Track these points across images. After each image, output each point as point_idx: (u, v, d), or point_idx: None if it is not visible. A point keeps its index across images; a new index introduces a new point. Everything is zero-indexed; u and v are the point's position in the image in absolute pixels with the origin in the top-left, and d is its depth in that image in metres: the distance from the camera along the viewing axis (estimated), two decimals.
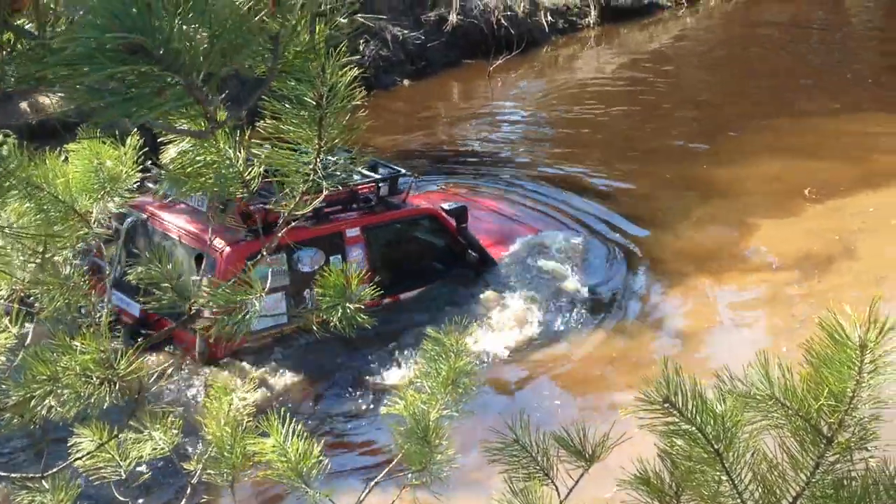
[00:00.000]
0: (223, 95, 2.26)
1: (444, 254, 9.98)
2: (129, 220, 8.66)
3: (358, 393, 8.65)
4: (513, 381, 8.94)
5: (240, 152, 2.54)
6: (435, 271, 9.95)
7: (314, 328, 2.63)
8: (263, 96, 2.30)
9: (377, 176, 9.51)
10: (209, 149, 2.44)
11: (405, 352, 8.93)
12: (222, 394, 2.99)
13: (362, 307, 2.52)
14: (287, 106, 2.32)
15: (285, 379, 8.73)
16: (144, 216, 8.85)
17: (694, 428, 2.32)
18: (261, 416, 2.96)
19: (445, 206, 10.01)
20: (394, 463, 3.03)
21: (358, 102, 2.38)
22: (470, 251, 9.92)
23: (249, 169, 2.54)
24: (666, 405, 2.34)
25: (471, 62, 17.29)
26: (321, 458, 2.87)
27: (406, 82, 16.31)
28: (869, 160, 12.75)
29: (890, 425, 2.26)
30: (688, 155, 13.33)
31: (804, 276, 9.86)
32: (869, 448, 2.22)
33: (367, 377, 8.87)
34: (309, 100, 2.32)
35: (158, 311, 2.84)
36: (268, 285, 2.58)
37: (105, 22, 1.49)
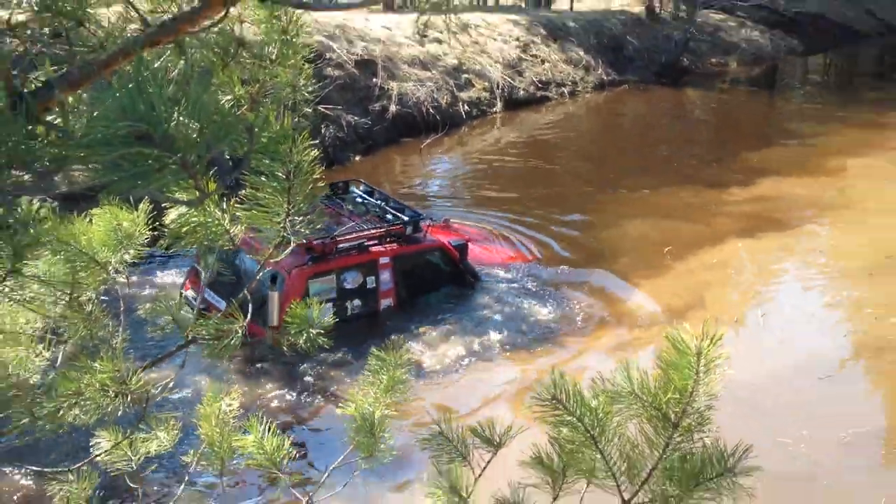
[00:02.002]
0: (213, 171, 2.26)
1: (448, 277, 10.26)
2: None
3: (321, 397, 8.56)
4: (447, 382, 8.91)
5: (226, 214, 2.54)
6: (440, 287, 10.22)
7: (284, 349, 2.60)
8: (244, 171, 2.31)
9: (405, 218, 9.84)
10: (201, 212, 2.43)
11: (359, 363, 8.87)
12: (213, 400, 2.95)
13: (322, 332, 2.51)
14: (263, 179, 2.33)
15: (265, 386, 8.64)
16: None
17: (575, 419, 2.35)
18: (244, 418, 2.93)
19: (453, 241, 10.38)
20: (348, 452, 3.01)
21: (317, 176, 2.40)
22: (467, 274, 10.30)
23: (234, 226, 2.53)
24: (553, 402, 2.38)
25: (408, 140, 17.36)
26: (291, 449, 2.85)
27: (358, 158, 16.30)
28: (710, 223, 12.98)
29: (719, 412, 2.30)
30: (572, 222, 13.38)
31: (668, 325, 9.85)
32: (705, 430, 2.27)
33: (329, 383, 8.79)
34: (279, 174, 2.32)
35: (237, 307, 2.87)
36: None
37: (117, 115, 1.50)
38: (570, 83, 21.79)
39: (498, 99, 19.79)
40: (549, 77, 21.51)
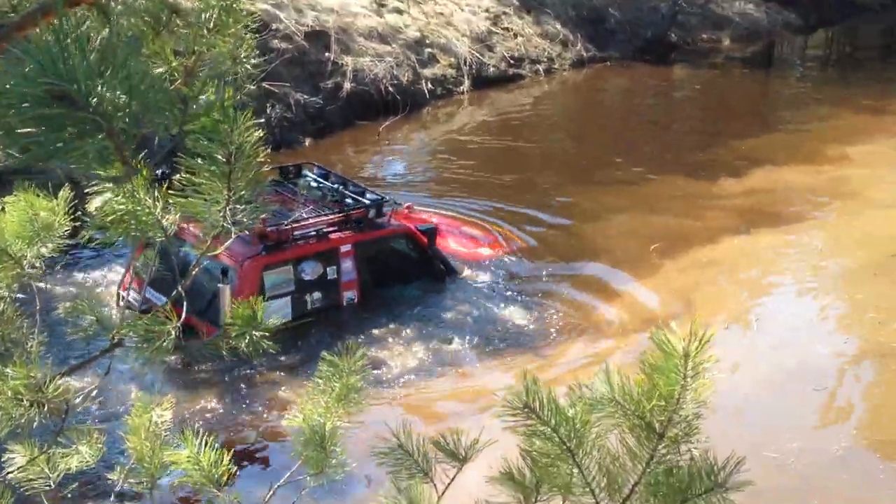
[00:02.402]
0: (143, 153, 2.24)
1: (416, 264, 10.41)
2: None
3: (266, 406, 8.54)
4: (409, 390, 8.93)
5: (157, 202, 2.51)
6: (408, 277, 10.37)
7: (223, 353, 2.60)
8: (180, 153, 2.29)
9: (366, 202, 9.98)
10: (129, 199, 2.41)
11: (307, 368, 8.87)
12: (143, 411, 2.93)
13: (267, 335, 2.51)
14: (200, 162, 2.30)
15: (204, 394, 8.60)
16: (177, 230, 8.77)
17: (549, 429, 2.35)
18: (178, 430, 2.91)
19: (420, 226, 10.51)
20: (295, 468, 3.01)
21: (262, 159, 2.38)
22: (438, 263, 10.50)
23: (167, 216, 2.51)
24: (526, 410, 2.38)
25: (364, 123, 17.30)
26: (231, 465, 2.84)
27: (308, 141, 16.23)
28: (700, 216, 13.09)
29: (708, 421, 2.32)
30: (552, 205, 13.46)
31: (645, 337, 9.98)
32: (692, 441, 2.28)
33: (276, 391, 8.78)
34: (218, 157, 2.30)
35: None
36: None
37: (35, 72, 1.47)
38: (545, 60, 21.87)
39: (465, 77, 19.81)
40: (522, 53, 21.58)
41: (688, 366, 2.27)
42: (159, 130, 1.83)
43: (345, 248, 9.70)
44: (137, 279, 9.66)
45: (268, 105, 15.60)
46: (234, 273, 8.93)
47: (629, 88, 21.30)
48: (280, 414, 8.30)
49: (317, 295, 9.58)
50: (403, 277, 10.45)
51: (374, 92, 17.79)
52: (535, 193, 13.83)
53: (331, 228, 9.68)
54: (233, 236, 2.50)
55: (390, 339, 9.65)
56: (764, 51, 25.55)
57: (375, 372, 8.93)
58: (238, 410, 8.53)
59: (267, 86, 15.46)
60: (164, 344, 2.42)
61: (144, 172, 2.44)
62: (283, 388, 8.82)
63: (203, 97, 2.35)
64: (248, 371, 8.97)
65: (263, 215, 9.51)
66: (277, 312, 9.12)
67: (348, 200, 10.04)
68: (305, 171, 10.83)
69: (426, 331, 9.86)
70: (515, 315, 10.25)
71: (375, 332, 9.73)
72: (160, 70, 2.37)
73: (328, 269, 9.57)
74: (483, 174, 14.85)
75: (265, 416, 8.44)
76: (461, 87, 19.72)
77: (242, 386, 8.87)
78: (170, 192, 2.45)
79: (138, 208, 2.49)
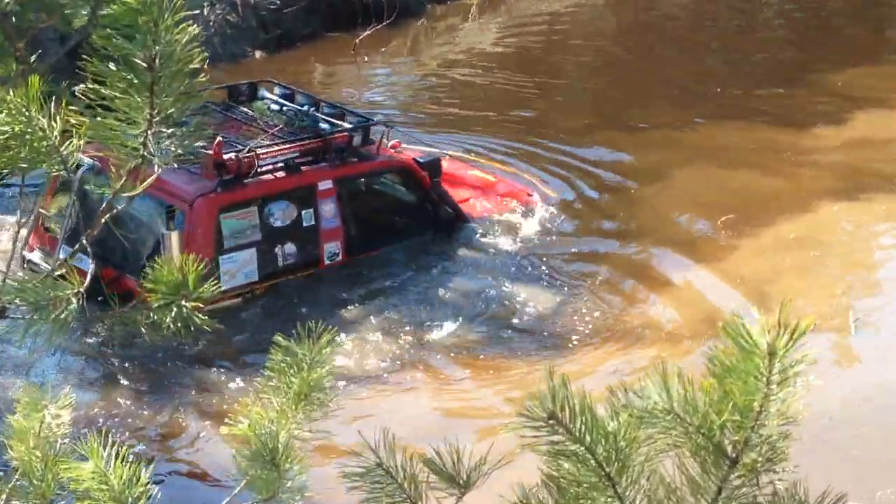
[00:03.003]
0: (37, 53, 2.19)
1: (416, 209, 10.70)
2: (83, 168, 8.60)
3: (201, 407, 8.56)
4: (393, 390, 8.95)
5: (55, 122, 2.47)
6: (407, 228, 10.73)
7: (141, 330, 2.56)
8: (85, 56, 2.25)
9: (349, 125, 10.23)
10: (15, 118, 2.37)
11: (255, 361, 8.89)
12: (32, 409, 2.91)
13: (201, 306, 2.48)
14: (112, 67, 2.26)
15: (117, 389, 8.62)
16: (99, 164, 8.93)
17: (583, 448, 2.33)
18: (80, 436, 2.89)
19: (419, 158, 10.74)
20: (237, 492, 2.99)
21: (197, 65, 2.34)
22: (444, 207, 10.70)
23: (67, 142, 2.47)
24: (551, 422, 2.35)
25: (335, 34, 17.19)
26: (150, 485, 2.82)
27: (258, 54, 16.15)
28: (788, 177, 12.97)
29: (800, 444, 2.30)
30: (587, 162, 13.38)
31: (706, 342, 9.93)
32: (777, 470, 2.26)
33: (215, 386, 8.80)
34: (138, 61, 2.26)
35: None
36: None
37: None
38: None
39: None
40: None
41: (774, 368, 2.25)
42: (60, 24, 1.78)
43: (324, 184, 9.92)
44: (48, 234, 9.72)
45: (203, 4, 15.49)
46: (182, 217, 9.12)
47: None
48: (219, 417, 8.30)
49: (290, 248, 9.82)
50: (399, 227, 10.71)
51: None
52: (569, 136, 13.76)
53: (305, 160, 9.91)
54: (157, 169, 2.45)
55: (373, 318, 9.65)
56: None
57: (348, 363, 8.95)
58: (162, 411, 8.54)
59: None
60: (63, 315, 2.38)
61: (36, 81, 2.40)
62: (224, 383, 8.83)
63: None
64: (178, 358, 8.97)
65: (219, 139, 9.52)
66: (239, 271, 9.45)
67: (323, 125, 10.26)
68: (263, 91, 10.96)
69: (422, 308, 9.92)
70: (539, 298, 10.24)
71: (353, 306, 9.78)
72: None
73: (303, 212, 9.79)
74: (498, 106, 14.80)
75: (199, 419, 8.46)
76: None
77: (169, 377, 8.89)
78: (72, 109, 2.41)
79: (28, 130, 2.45)
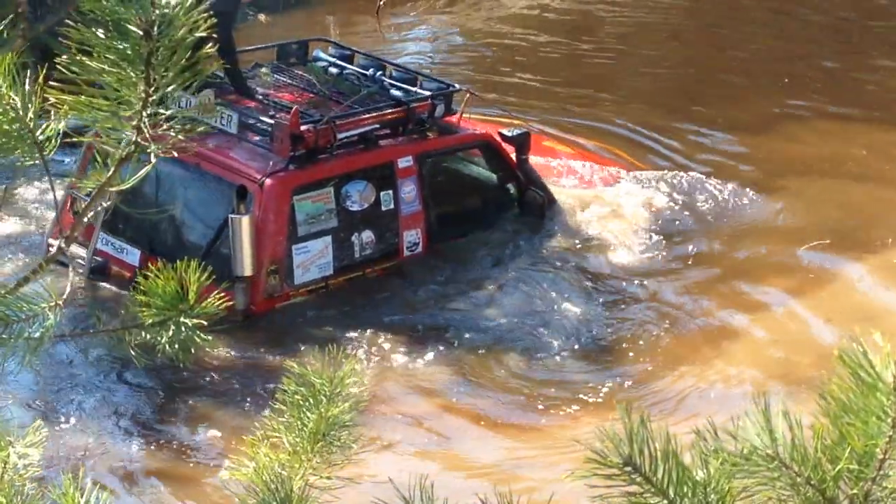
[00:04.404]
0: (9, 18, 2.22)
1: (501, 191, 11.16)
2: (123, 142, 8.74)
3: (199, 443, 8.60)
4: (433, 421, 8.99)
5: (31, 102, 2.50)
6: (489, 213, 11.09)
7: (131, 354, 2.59)
8: (68, 20, 2.27)
9: (426, 92, 10.55)
10: None
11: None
12: None
13: (203, 323, 2.50)
14: (101, 35, 2.28)
15: (91, 420, 8.66)
16: None
17: (665, 502, 2.36)
18: (53, 478, 2.92)
19: (505, 131, 11.02)
20: None
21: (203, 34, 2.36)
22: (532, 189, 10.97)
23: (44, 125, 2.50)
24: (627, 469, 2.37)
25: None
26: None
27: (262, 17, 16.23)
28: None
29: None
30: (679, 143, 13.41)
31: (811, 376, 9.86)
32: None
33: (220, 418, 8.83)
34: (133, 28, 2.28)
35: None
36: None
37: None
38: None
39: None
40: None
41: None
42: None
43: (404, 162, 10.22)
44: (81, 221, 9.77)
45: None
46: (250, 199, 9.33)
47: None
48: (220, 457, 8.36)
49: (367, 236, 10.09)
50: (481, 212, 11.02)
51: None
52: (638, 116, 13.83)
53: (382, 133, 10.22)
54: (153, 158, 2.47)
55: (412, 336, 9.80)
56: None
57: (377, 392, 9.00)
58: (151, 446, 8.58)
59: None
60: (38, 334, 2.41)
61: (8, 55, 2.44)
62: (227, 413, 8.87)
63: None
64: (172, 379, 9.01)
65: (295, 107, 9.65)
66: (313, 263, 9.76)
67: (394, 92, 10.50)
68: (318, 52, 11.26)
69: (478, 323, 10.03)
70: (613, 318, 10.23)
71: (390, 320, 9.90)
72: None
73: (382, 194, 10.08)
74: (554, 77, 14.84)
75: (196, 459, 8.49)
76: None
77: (161, 404, 8.93)
78: (51, 84, 2.44)
79: None
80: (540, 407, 9.24)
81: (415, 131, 10.34)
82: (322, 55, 11.16)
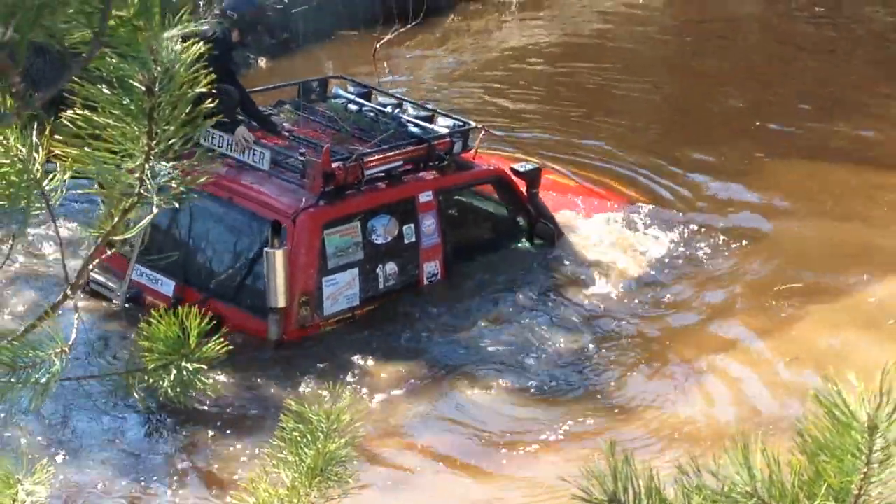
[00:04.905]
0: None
1: (512, 224, 11.42)
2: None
3: (201, 479, 8.58)
4: (422, 455, 8.97)
5: (37, 153, 2.51)
6: (501, 245, 11.38)
7: (135, 396, 2.60)
8: (74, 79, 2.28)
9: (443, 128, 10.80)
10: None
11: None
12: (2, 486, 2.93)
13: (204, 367, 2.52)
14: (106, 91, 2.30)
15: (96, 456, 8.65)
16: None
17: None
18: None
19: (516, 166, 11.30)
20: None
21: (204, 89, 2.38)
22: (542, 221, 11.23)
23: (51, 176, 2.51)
24: None
25: (352, 34, 17.32)
26: None
27: (263, 62, 16.26)
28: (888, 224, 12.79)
29: None
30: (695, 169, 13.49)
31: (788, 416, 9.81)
32: None
33: (219, 453, 8.82)
34: (137, 84, 2.30)
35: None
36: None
37: None
38: None
39: None
40: None
41: (875, 444, 2.26)
42: (60, 37, 1.82)
43: (424, 196, 10.47)
44: (113, 251, 9.81)
45: (198, 3, 15.61)
46: (285, 233, 9.54)
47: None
48: (220, 494, 8.34)
49: (391, 267, 10.36)
50: (493, 244, 11.28)
51: None
52: (629, 153, 13.95)
53: (405, 169, 10.48)
54: (154, 208, 2.49)
55: (408, 368, 9.84)
56: None
57: (373, 425, 9.00)
58: (154, 480, 8.54)
59: None
60: (45, 380, 2.42)
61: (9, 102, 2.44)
62: (230, 448, 8.85)
63: None
64: (175, 413, 8.98)
65: (327, 145, 9.81)
66: (342, 294, 9.99)
67: (412, 128, 10.82)
68: (336, 89, 11.52)
69: (474, 354, 10.09)
70: (604, 354, 10.24)
71: (387, 351, 9.93)
72: None
73: (404, 228, 10.34)
74: (547, 125, 14.84)
75: (198, 492, 8.46)
76: None
77: (164, 438, 8.91)
78: (57, 138, 2.45)
79: (5, 161, 2.49)
80: (525, 449, 9.25)
81: (434, 167, 10.59)
82: (341, 92, 11.41)
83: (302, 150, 10.03)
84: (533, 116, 15.13)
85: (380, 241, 10.18)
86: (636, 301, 10.99)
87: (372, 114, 11.01)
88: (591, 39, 18.36)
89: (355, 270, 10.04)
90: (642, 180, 13.30)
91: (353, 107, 11.10)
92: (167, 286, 9.97)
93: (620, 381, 9.93)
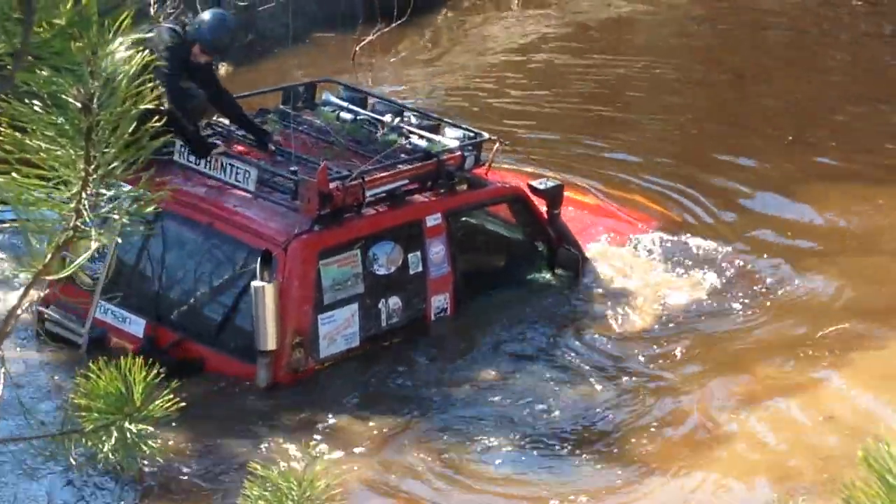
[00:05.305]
0: None
1: (530, 249, 11.43)
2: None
3: None
4: None
5: None
6: (519, 273, 11.37)
7: (72, 462, 2.59)
8: (2, 95, 2.29)
9: (453, 141, 10.73)
10: None
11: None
12: None
13: (150, 429, 2.51)
14: (38, 109, 2.31)
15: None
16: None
17: None
18: None
19: (535, 183, 11.33)
20: None
21: (150, 106, 2.38)
22: (565, 246, 11.15)
23: None
24: None
25: (328, 36, 17.38)
26: None
27: (223, 68, 16.28)
28: None
29: None
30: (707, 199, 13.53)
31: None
32: None
33: None
34: (71, 100, 2.30)
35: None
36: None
37: None
38: None
39: None
40: None
41: None
42: None
43: (432, 220, 10.44)
44: (75, 286, 9.93)
45: (152, 2, 15.67)
46: (275, 264, 9.48)
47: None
48: None
49: (395, 302, 10.26)
50: (510, 272, 11.24)
51: None
52: (645, 167, 14.04)
53: (410, 188, 10.38)
54: (93, 243, 2.50)
55: (390, 423, 9.81)
56: None
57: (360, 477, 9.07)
58: None
59: None
60: None
61: None
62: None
63: None
64: (118, 485, 9.04)
65: (323, 164, 9.69)
66: (339, 334, 9.88)
67: (417, 140, 10.72)
68: (327, 95, 11.50)
69: (473, 412, 10.07)
70: (627, 408, 10.30)
71: (365, 403, 9.91)
72: None
73: (410, 256, 10.31)
74: (535, 144, 14.92)
75: None
76: None
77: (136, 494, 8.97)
78: None
79: None
80: None
81: (443, 185, 10.55)
82: (332, 99, 11.36)
83: (293, 168, 9.87)
84: (542, 122, 15.26)
85: (382, 271, 10.19)
86: (663, 347, 11.03)
87: (369, 124, 10.93)
88: (605, 32, 18.45)
89: (355, 306, 10.00)
90: (674, 195, 13.40)
91: (346, 115, 11.02)
92: (137, 325, 9.87)
93: (631, 445, 9.93)
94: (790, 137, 15.08)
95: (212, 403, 9.60)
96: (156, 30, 10.10)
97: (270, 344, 9.33)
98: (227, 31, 10.43)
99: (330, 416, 9.66)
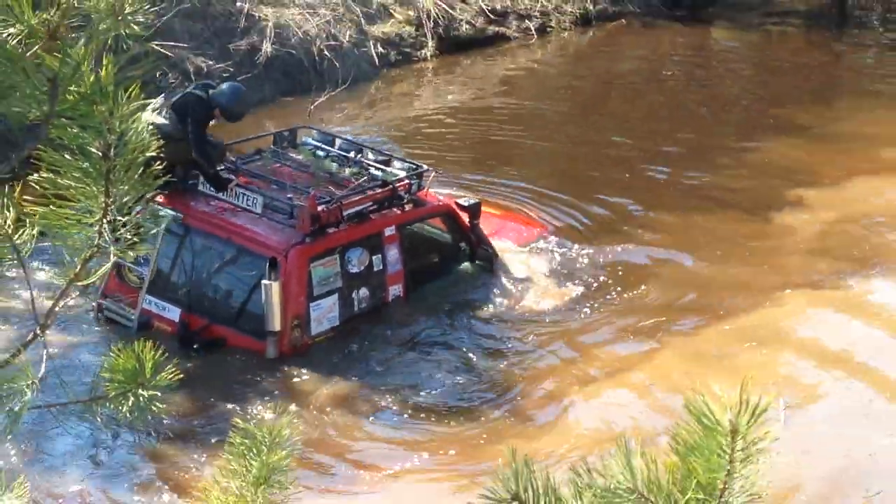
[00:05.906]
0: None
1: (457, 250, 11.80)
2: (165, 218, 9.85)
3: (160, 489, 8.51)
4: (351, 463, 9.02)
5: (9, 211, 2.50)
6: (449, 267, 11.80)
7: (97, 419, 2.58)
8: (40, 145, 2.28)
9: (401, 172, 11.23)
10: None
11: None
12: None
13: (158, 394, 2.51)
14: (67, 157, 2.30)
15: (69, 470, 8.55)
16: (180, 215, 10.36)
17: None
18: None
19: (461, 201, 11.86)
20: None
21: (153, 153, 2.38)
22: (482, 246, 11.77)
23: (20, 231, 2.50)
24: (514, 503, 2.39)
25: (289, 99, 17.30)
26: None
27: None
28: (761, 263, 12.79)
29: None
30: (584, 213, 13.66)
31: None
32: None
33: (180, 464, 8.76)
34: (94, 150, 2.30)
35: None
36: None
37: None
38: (538, 15, 22.03)
39: (429, 37, 19.89)
40: (506, 5, 21.72)
41: (736, 445, 2.29)
42: (14, 119, 1.82)
43: (389, 231, 10.92)
44: (125, 283, 10.62)
45: (157, 75, 15.53)
46: (279, 266, 9.95)
47: (653, 57, 21.39)
48: (181, 500, 8.27)
49: (364, 292, 10.78)
50: (443, 266, 11.74)
51: (304, 56, 17.82)
52: (538, 194, 14.16)
53: (373, 208, 10.93)
54: (111, 258, 2.48)
55: (344, 383, 10.02)
56: (833, 3, 25.48)
57: (314, 432, 9.19)
58: (121, 491, 8.45)
59: (156, 46, 15.40)
60: (17, 408, 2.41)
61: None
62: (190, 462, 8.78)
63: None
64: (137, 435, 8.94)
65: (312, 192, 10.35)
66: (325, 317, 10.43)
67: (374, 171, 11.22)
68: (305, 138, 11.96)
69: (403, 372, 10.37)
70: (532, 365, 10.49)
71: (324, 372, 10.11)
72: (13, 30, 2.36)
73: (374, 258, 10.80)
74: (454, 173, 14.94)
75: (160, 500, 8.39)
76: (423, 52, 19.80)
77: (129, 450, 8.83)
78: (25, 198, 2.45)
79: None
80: (441, 454, 9.41)
81: (396, 205, 11.01)
82: (309, 140, 11.83)
83: (289, 196, 10.49)
84: (456, 155, 15.63)
85: (354, 270, 10.62)
86: (552, 317, 11.37)
87: (337, 158, 11.40)
88: (491, 104, 18.48)
89: (336, 296, 10.45)
90: (558, 207, 13.81)
91: (320, 153, 11.46)
92: (173, 313, 10.31)
93: (530, 399, 10.15)
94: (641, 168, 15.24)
95: (211, 375, 9.87)
96: (184, 93, 10.62)
97: (277, 325, 9.87)
98: (244, 103, 10.94)
99: (308, 379, 10.04)
